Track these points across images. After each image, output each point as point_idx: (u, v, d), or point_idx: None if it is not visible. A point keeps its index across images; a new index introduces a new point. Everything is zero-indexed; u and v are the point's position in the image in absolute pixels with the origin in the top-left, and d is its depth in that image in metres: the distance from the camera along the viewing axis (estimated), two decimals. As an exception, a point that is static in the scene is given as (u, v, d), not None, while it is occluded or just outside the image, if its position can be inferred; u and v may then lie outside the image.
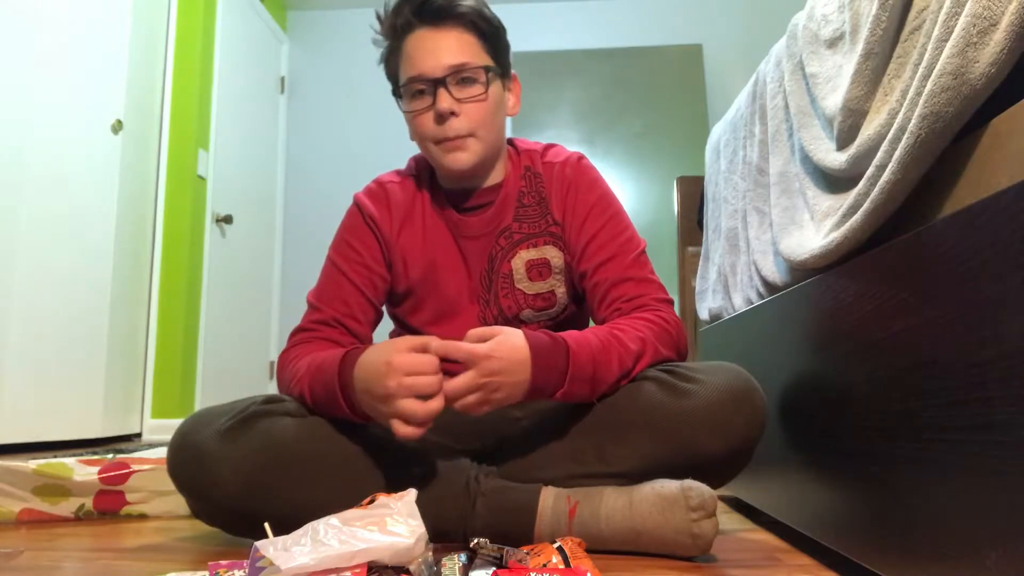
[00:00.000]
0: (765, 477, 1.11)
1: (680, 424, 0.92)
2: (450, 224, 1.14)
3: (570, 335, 0.95)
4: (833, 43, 0.92)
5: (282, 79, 4.12)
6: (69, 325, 2.44)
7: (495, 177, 1.14)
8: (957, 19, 0.60)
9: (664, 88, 3.88)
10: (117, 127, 2.66)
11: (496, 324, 1.13)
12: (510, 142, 1.20)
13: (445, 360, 0.88)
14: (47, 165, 2.39)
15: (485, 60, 1.08)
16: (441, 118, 1.04)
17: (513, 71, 1.16)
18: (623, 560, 0.90)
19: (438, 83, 1.04)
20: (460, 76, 1.05)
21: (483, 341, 0.89)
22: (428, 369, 0.86)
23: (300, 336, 1.09)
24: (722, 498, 1.50)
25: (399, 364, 0.85)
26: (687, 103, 3.85)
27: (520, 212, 1.14)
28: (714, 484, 0.96)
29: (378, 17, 1.10)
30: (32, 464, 1.25)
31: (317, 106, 4.13)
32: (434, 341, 0.87)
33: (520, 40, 4.12)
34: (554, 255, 1.12)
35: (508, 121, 3.96)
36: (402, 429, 0.85)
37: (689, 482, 0.88)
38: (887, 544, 0.71)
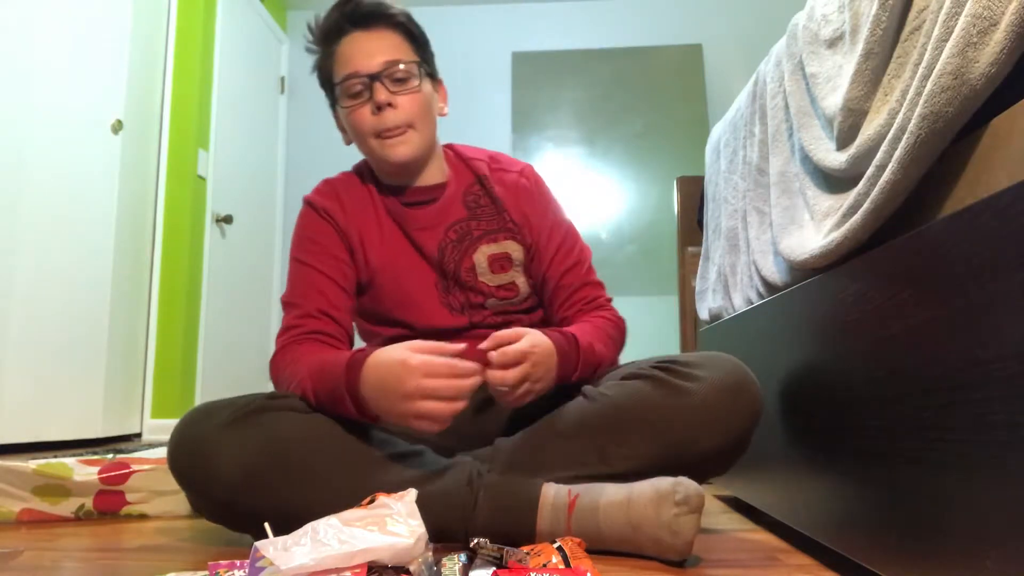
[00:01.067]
0: (765, 477, 1.11)
1: (679, 423, 0.96)
2: (398, 217, 1.17)
3: (575, 329, 1.07)
4: (833, 43, 0.92)
5: (282, 79, 4.12)
6: (69, 325, 2.44)
7: (435, 176, 1.19)
8: (957, 19, 0.60)
9: (664, 88, 3.88)
10: (117, 127, 2.66)
11: (463, 310, 1.18)
12: (449, 146, 1.25)
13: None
14: (47, 165, 2.39)
15: (415, 58, 1.13)
16: (379, 109, 1.08)
17: (440, 77, 1.22)
18: (621, 562, 0.90)
19: (373, 78, 1.09)
20: (394, 72, 1.10)
21: (511, 342, 0.95)
22: (445, 371, 0.88)
23: (288, 336, 1.10)
24: (722, 498, 1.50)
25: (417, 365, 0.87)
26: (687, 103, 3.84)
27: (475, 211, 1.19)
28: (713, 475, 1.03)
29: (309, 28, 1.15)
30: (32, 464, 1.25)
31: (317, 106, 4.10)
32: (493, 353, 0.93)
33: (520, 40, 4.12)
34: (514, 249, 1.19)
35: (507, 121, 3.96)
36: (423, 424, 0.88)
37: (681, 479, 0.90)
38: (887, 544, 0.71)
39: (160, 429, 2.82)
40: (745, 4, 4.04)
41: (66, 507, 1.26)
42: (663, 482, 0.90)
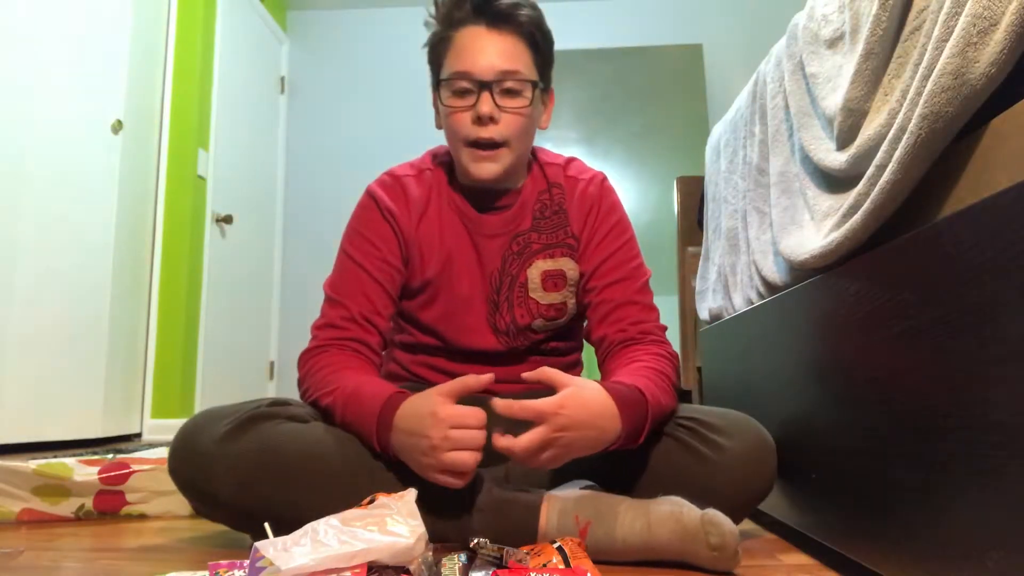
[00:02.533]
0: (765, 477, 1.11)
1: (702, 488, 0.92)
2: (466, 221, 1.13)
3: (636, 380, 0.94)
4: (833, 43, 0.92)
5: (282, 79, 4.11)
6: (69, 325, 2.44)
7: (514, 182, 1.15)
8: (957, 19, 0.60)
9: (664, 88, 3.88)
10: (117, 127, 2.66)
11: (508, 332, 1.14)
12: (532, 151, 1.20)
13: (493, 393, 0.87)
14: (47, 165, 2.39)
15: (533, 74, 1.07)
16: (480, 121, 1.03)
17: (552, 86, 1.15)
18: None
19: (484, 86, 1.03)
20: (507, 84, 1.04)
21: (549, 383, 0.87)
22: (473, 422, 0.85)
23: (327, 335, 1.07)
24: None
25: (445, 416, 0.84)
26: (687, 103, 3.84)
27: (539, 222, 1.14)
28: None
29: (435, 1, 1.08)
30: (32, 464, 1.25)
31: (317, 106, 4.13)
32: (498, 402, 0.84)
33: (520, 40, 4.12)
34: (570, 267, 1.13)
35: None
36: (449, 480, 0.85)
37: (711, 514, 0.84)
38: (887, 544, 0.71)
39: (160, 429, 2.81)
40: (745, 4, 4.04)
41: (66, 507, 1.25)
42: (687, 514, 0.85)
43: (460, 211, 1.13)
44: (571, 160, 1.20)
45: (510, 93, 1.04)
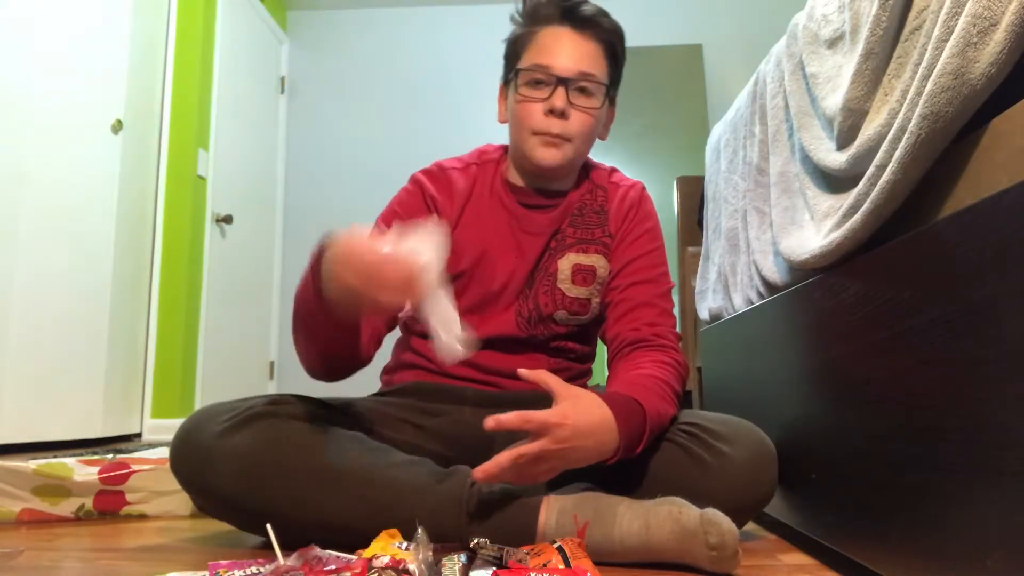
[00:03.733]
0: (765, 477, 1.11)
1: (703, 494, 0.91)
2: (512, 216, 1.15)
3: (635, 391, 0.94)
4: (833, 43, 0.92)
5: (282, 79, 4.12)
6: (69, 325, 2.44)
7: (563, 185, 1.17)
8: (957, 19, 0.60)
9: (664, 88, 3.88)
10: (117, 127, 2.66)
11: (530, 320, 1.14)
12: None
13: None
14: (47, 165, 2.39)
15: (606, 79, 1.11)
16: (552, 113, 1.06)
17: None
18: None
19: (562, 81, 1.06)
20: (583, 84, 1.07)
21: (545, 388, 0.87)
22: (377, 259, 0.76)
23: None
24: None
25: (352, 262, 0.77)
26: (687, 103, 3.85)
27: (577, 219, 1.16)
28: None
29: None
30: (32, 464, 1.25)
31: (317, 106, 4.13)
32: (497, 419, 0.81)
33: (520, 40, 4.12)
34: (601, 265, 1.15)
35: (508, 121, 3.96)
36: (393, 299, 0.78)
37: (710, 514, 0.83)
38: (887, 544, 0.71)
39: (160, 429, 2.82)
40: (745, 4, 4.04)
41: (66, 507, 1.25)
42: (685, 514, 0.84)
43: (505, 206, 1.16)
44: (614, 170, 1.25)
45: (584, 92, 1.08)
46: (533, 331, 1.15)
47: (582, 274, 1.14)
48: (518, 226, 1.15)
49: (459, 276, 1.14)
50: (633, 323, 1.09)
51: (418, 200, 1.15)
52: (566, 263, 1.14)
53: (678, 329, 1.14)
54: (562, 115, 1.07)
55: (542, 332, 1.15)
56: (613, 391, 0.94)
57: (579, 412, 0.85)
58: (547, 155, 1.08)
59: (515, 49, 1.13)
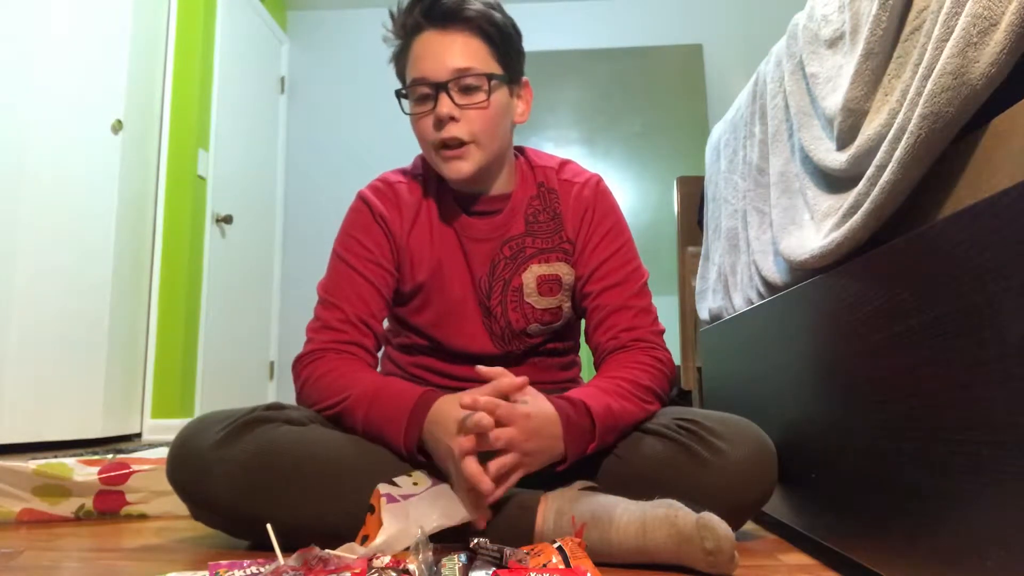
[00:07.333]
0: (765, 477, 1.11)
1: (701, 492, 0.92)
2: (456, 225, 1.14)
3: (586, 396, 0.96)
4: (833, 43, 0.92)
5: (282, 79, 4.12)
6: (69, 325, 2.44)
7: (504, 186, 1.14)
8: (957, 19, 0.60)
9: (664, 88, 3.88)
10: (117, 127, 2.66)
11: (503, 337, 1.14)
12: (521, 151, 1.20)
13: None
14: (47, 165, 2.39)
15: (491, 66, 1.06)
16: (440, 123, 1.03)
17: (525, 77, 1.14)
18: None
19: (440, 87, 1.03)
20: (462, 82, 1.03)
21: (508, 386, 0.91)
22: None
23: (326, 337, 1.06)
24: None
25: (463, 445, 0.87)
26: (687, 103, 3.85)
27: (533, 227, 1.14)
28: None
29: (391, 15, 1.09)
30: (32, 464, 1.25)
31: (317, 106, 4.13)
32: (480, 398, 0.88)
33: (520, 40, 4.12)
34: (565, 272, 1.14)
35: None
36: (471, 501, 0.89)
37: (706, 518, 0.82)
38: (887, 544, 0.71)
39: (160, 429, 2.82)
40: (745, 4, 4.04)
41: (66, 507, 1.25)
42: (682, 518, 0.83)
43: (449, 216, 1.14)
44: (565, 163, 1.20)
45: (468, 90, 1.04)
46: (508, 347, 1.15)
47: (548, 284, 1.13)
48: (463, 234, 1.13)
49: (417, 291, 1.14)
50: (610, 331, 1.09)
51: (367, 219, 1.12)
52: (530, 276, 1.13)
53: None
54: (452, 119, 1.03)
55: (518, 347, 1.16)
56: (563, 395, 0.96)
57: (533, 418, 0.89)
58: (454, 168, 1.06)
59: (400, 69, 1.10)
